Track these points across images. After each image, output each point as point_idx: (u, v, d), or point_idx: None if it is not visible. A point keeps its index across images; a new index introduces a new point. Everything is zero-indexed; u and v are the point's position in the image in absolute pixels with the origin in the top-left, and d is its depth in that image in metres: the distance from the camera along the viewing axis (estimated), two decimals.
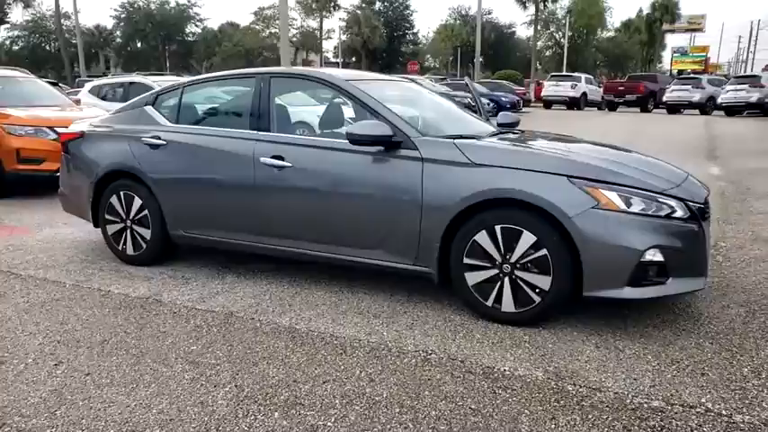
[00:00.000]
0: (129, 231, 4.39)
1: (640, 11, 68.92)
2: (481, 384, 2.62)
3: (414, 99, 4.34)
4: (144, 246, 4.35)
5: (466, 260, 3.29)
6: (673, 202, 3.09)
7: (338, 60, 61.78)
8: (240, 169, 3.89)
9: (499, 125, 4.46)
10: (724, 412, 2.37)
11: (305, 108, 4.72)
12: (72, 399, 2.50)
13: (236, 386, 2.61)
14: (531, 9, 54.54)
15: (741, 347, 2.96)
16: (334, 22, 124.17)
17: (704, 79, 26.97)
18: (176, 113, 4.35)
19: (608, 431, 2.25)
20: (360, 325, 3.28)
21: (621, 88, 28.49)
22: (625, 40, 69.81)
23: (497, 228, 3.17)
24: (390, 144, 3.46)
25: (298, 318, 3.39)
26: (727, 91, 23.64)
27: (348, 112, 4.18)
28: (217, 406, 2.45)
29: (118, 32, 61.66)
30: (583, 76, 30.66)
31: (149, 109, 4.41)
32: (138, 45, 62.53)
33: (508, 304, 3.23)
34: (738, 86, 23.40)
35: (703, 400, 2.46)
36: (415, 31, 69.93)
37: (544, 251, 3.08)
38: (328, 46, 72.85)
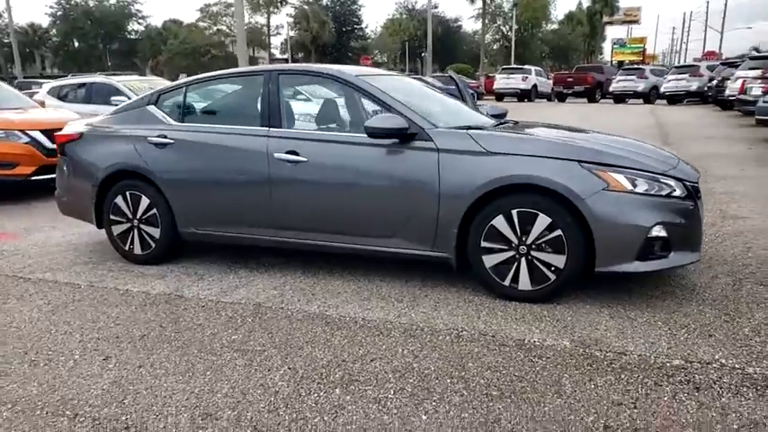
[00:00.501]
0: (136, 231, 4.42)
1: (580, 3, 71.34)
2: (517, 354, 2.84)
3: (417, 93, 4.51)
4: (153, 244, 4.39)
5: (483, 244, 3.50)
6: (672, 183, 3.38)
7: (286, 57, 61.22)
8: (254, 165, 3.99)
9: (490, 116, 4.68)
10: (737, 366, 2.67)
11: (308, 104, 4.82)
12: (134, 389, 2.59)
13: (289, 368, 2.74)
14: (479, 3, 55.42)
15: (737, 311, 3.28)
16: (282, 18, 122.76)
17: (647, 70, 28.16)
18: (181, 112, 4.40)
19: (642, 387, 2.51)
20: (386, 309, 3.46)
21: (570, 80, 29.44)
22: (568, 32, 71.82)
23: (514, 212, 3.40)
24: (406, 136, 3.63)
25: (325, 305, 3.53)
26: (669, 80, 24.82)
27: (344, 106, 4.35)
28: (278, 387, 2.58)
29: (54, 31, 59.34)
30: (533, 68, 31.50)
31: (152, 108, 4.44)
32: (77, 44, 60.32)
33: (525, 283, 3.46)
34: (679, 76, 24.60)
35: (717, 357, 2.75)
36: (363, 26, 70.06)
37: (558, 232, 3.33)
38: (276, 42, 72.14)
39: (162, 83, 10.65)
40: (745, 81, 16.32)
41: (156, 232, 4.36)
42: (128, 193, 4.39)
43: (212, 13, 58.98)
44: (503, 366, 2.72)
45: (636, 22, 72.33)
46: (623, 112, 20.71)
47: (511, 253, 3.46)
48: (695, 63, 29.31)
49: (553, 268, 3.38)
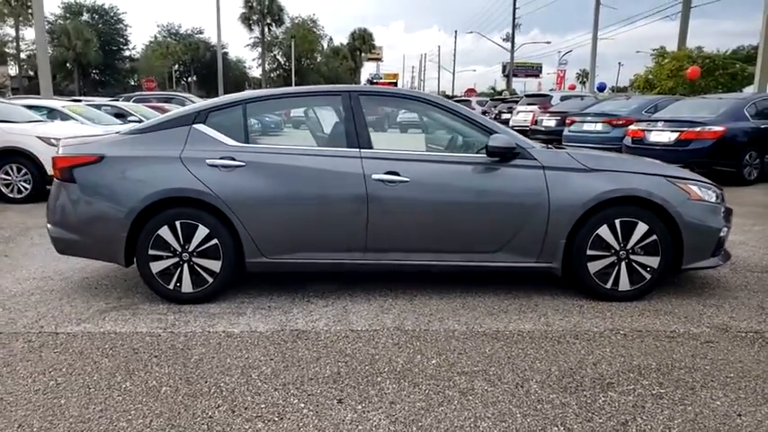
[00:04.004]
0: (186, 266, 3.85)
1: (348, 42, 76.69)
2: (687, 343, 3.28)
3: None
4: (210, 280, 3.87)
5: (589, 252, 3.89)
6: (717, 191, 4.17)
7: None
8: (348, 187, 3.82)
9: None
10: None
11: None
12: (423, 423, 2.41)
13: (549, 372, 2.80)
14: (256, 31, 55.72)
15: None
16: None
17: (473, 101, 29.07)
18: (243, 132, 3.98)
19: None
20: (520, 320, 3.62)
21: None
22: (337, 65, 76.08)
23: (617, 222, 3.86)
24: (512, 155, 3.87)
25: (470, 322, 3.56)
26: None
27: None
28: (538, 396, 2.63)
29: None
30: None
31: (202, 127, 3.94)
32: None
33: (624, 284, 3.93)
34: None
35: None
36: (131, 46, 65.03)
37: (654, 237, 3.88)
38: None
39: None
40: (534, 114, 19.34)
41: (214, 265, 3.85)
42: (177, 222, 3.81)
43: None
44: (691, 356, 3.13)
45: (380, 59, 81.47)
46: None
47: (613, 258, 3.91)
48: (468, 98, 33.08)
49: (649, 269, 3.91)
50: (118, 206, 3.79)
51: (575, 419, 2.47)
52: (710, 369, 2.95)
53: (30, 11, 49.20)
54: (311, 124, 4.44)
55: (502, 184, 3.88)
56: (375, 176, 3.81)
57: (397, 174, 3.83)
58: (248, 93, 4.21)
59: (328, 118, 4.17)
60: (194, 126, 3.94)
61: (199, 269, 3.85)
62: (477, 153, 3.95)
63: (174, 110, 4.38)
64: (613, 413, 2.52)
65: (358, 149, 3.88)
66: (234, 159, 3.82)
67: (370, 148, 3.91)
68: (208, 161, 3.81)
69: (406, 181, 3.83)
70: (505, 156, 3.83)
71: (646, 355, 3.10)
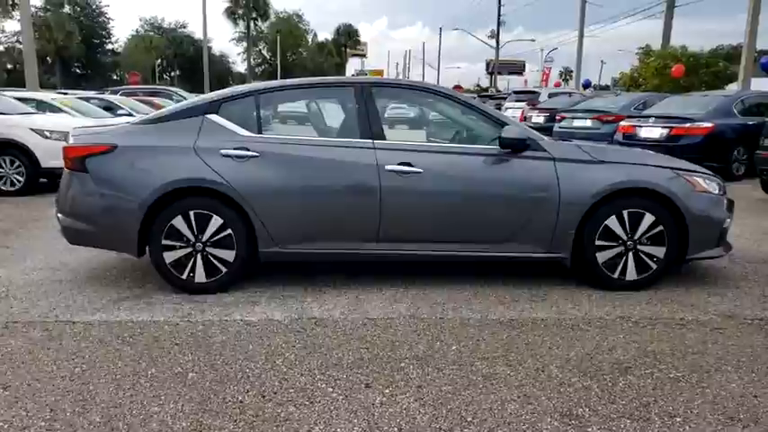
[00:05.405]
0: (199, 256, 3.86)
1: (332, 38, 76.66)
2: (697, 329, 3.37)
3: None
4: (223, 269, 3.88)
5: (597, 242, 3.97)
6: (720, 183, 4.27)
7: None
8: (362, 178, 3.86)
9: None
10: None
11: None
12: (452, 405, 2.46)
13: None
14: (242, 26, 55.37)
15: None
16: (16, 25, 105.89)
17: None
18: (256, 122, 3.99)
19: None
20: (533, 309, 3.69)
21: None
22: (322, 60, 75.92)
23: (625, 213, 3.94)
24: (523, 147, 3.93)
25: (484, 311, 3.62)
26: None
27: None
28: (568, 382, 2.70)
29: None
30: None
31: (215, 118, 3.94)
32: None
33: (631, 273, 4.02)
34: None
35: None
36: (113, 39, 64.18)
37: (660, 227, 3.96)
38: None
39: None
40: (523, 111, 19.45)
41: (228, 255, 3.87)
42: (191, 213, 3.82)
43: None
44: (702, 342, 3.22)
45: (364, 56, 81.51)
46: None
47: (620, 248, 3.99)
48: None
49: (655, 259, 4.00)
50: (131, 196, 3.78)
51: (598, 401, 2.53)
52: (722, 354, 3.03)
53: (8, 2, 48.48)
54: (324, 116, 4.46)
55: (513, 175, 3.94)
56: (388, 167, 3.85)
57: (410, 165, 3.86)
58: (261, 83, 4.23)
59: (341, 109, 4.19)
60: (207, 116, 3.94)
61: (212, 259, 3.86)
62: (488, 145, 4.00)
63: (177, 103, 4.35)
64: (634, 396, 2.59)
65: (371, 140, 3.91)
66: (248, 150, 3.83)
67: (384, 139, 3.95)
68: (222, 151, 3.82)
69: (420, 172, 3.87)
70: (517, 147, 3.88)
71: (659, 342, 3.18)
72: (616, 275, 4.01)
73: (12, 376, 2.68)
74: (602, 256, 3.98)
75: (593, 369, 2.84)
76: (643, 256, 3.99)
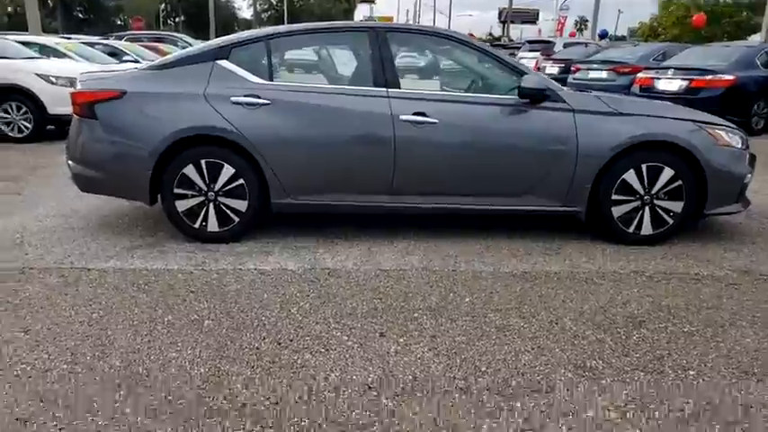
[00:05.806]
0: (212, 205, 3.84)
1: None
2: (712, 284, 3.35)
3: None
4: (236, 219, 3.87)
5: (614, 196, 3.91)
6: (743, 137, 4.17)
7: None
8: (375, 127, 3.79)
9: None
10: None
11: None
12: (466, 355, 2.47)
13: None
14: None
15: None
16: None
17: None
18: (268, 69, 3.90)
19: None
20: (546, 263, 3.67)
21: None
22: (330, 6, 74.31)
23: (644, 166, 3.86)
24: (542, 97, 3.82)
25: (496, 263, 3.61)
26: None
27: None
28: (584, 335, 2.70)
29: None
30: None
31: (226, 64, 3.85)
32: None
33: (647, 228, 3.97)
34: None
35: None
36: None
37: (679, 182, 3.89)
38: None
39: None
40: (537, 61, 19.02)
41: (241, 205, 3.85)
42: (203, 161, 3.78)
43: None
44: (717, 297, 3.20)
45: (373, 1, 79.48)
46: None
47: (637, 203, 3.93)
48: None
49: (672, 213, 3.94)
50: (142, 144, 3.74)
51: (612, 354, 2.54)
52: (737, 309, 3.02)
53: None
54: (337, 62, 4.36)
55: (531, 126, 3.85)
56: (403, 117, 3.77)
57: (425, 114, 3.78)
58: (272, 28, 4.11)
59: (354, 56, 4.08)
60: (217, 62, 3.85)
61: (225, 208, 3.84)
62: (505, 95, 3.90)
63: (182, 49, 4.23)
64: (648, 349, 2.59)
65: (386, 89, 3.82)
66: (259, 97, 3.76)
67: (398, 87, 3.85)
68: (232, 99, 3.75)
69: (435, 122, 3.79)
70: (536, 98, 3.79)
71: (673, 296, 3.17)
72: (631, 230, 3.97)
73: (31, 320, 2.71)
74: (617, 211, 3.94)
75: (607, 322, 2.84)
76: (659, 211, 3.94)
